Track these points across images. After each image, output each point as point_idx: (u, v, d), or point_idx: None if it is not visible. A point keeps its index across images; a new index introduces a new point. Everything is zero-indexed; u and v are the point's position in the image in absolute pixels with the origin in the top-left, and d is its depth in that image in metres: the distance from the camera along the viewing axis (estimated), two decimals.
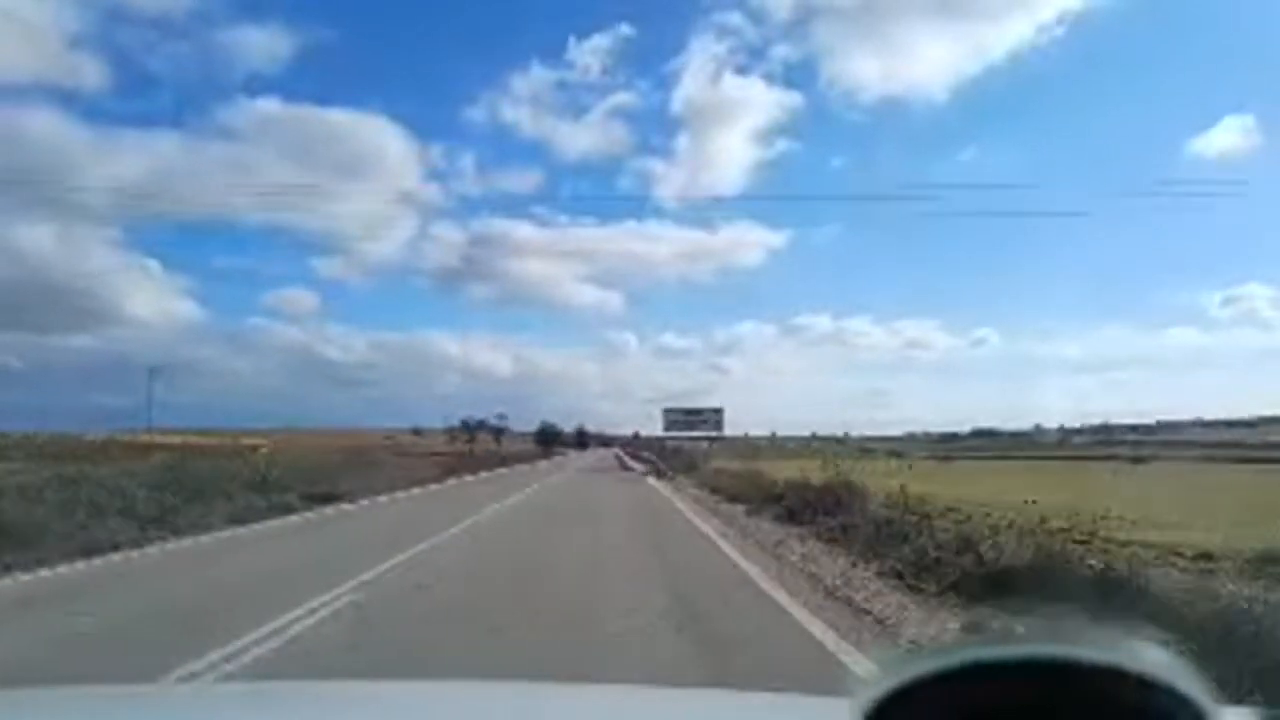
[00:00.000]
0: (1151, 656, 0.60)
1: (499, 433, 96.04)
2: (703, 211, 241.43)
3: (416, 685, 2.48)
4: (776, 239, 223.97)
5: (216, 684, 4.13)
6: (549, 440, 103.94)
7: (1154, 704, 0.59)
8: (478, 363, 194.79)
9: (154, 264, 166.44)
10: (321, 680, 4.05)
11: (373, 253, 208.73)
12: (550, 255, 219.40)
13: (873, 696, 0.64)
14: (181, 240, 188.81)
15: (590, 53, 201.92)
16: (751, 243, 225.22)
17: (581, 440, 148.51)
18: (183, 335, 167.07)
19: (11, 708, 1.48)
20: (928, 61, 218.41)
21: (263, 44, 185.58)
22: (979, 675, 0.61)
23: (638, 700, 1.89)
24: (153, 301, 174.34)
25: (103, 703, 1.62)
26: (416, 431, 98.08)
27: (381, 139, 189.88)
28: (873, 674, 0.66)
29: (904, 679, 0.63)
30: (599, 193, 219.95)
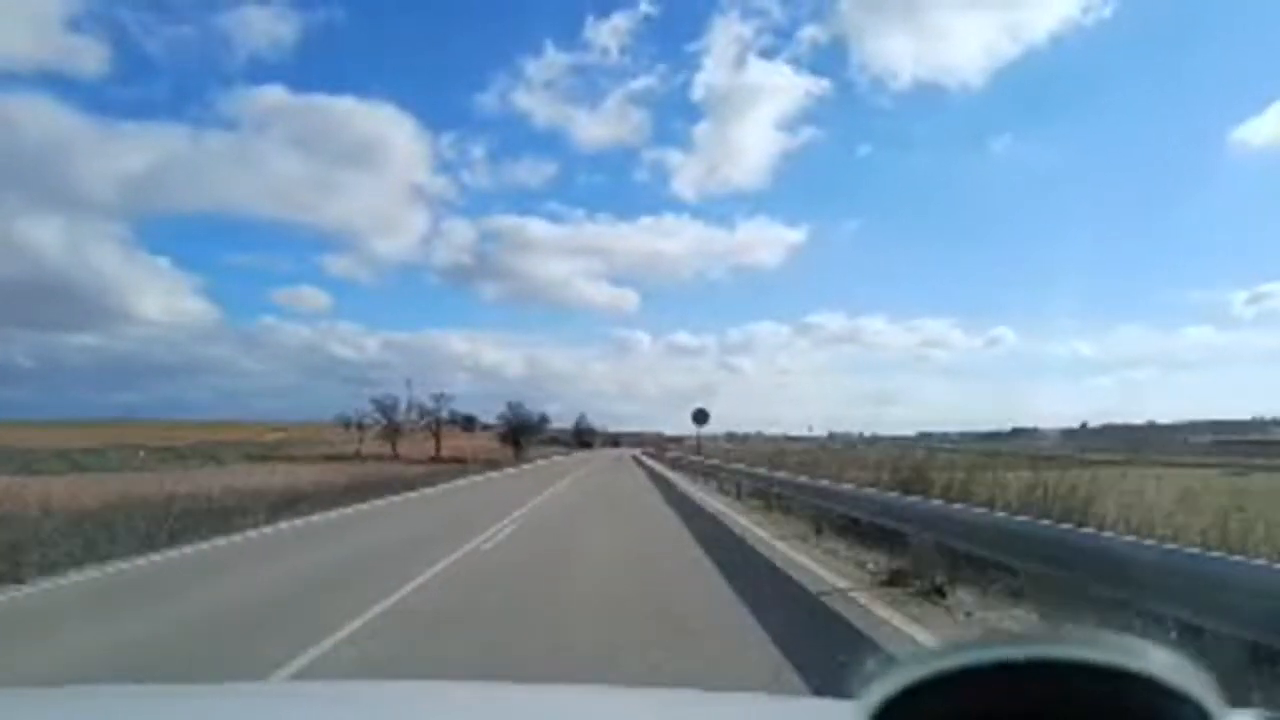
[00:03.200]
0: (1158, 657, 0.58)
1: (437, 425, 67.64)
2: (721, 206, 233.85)
3: (417, 685, 2.42)
4: (794, 235, 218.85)
5: (216, 685, 3.13)
6: (520, 436, 73.58)
7: (1160, 705, 0.57)
8: (486, 361, 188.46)
9: (163, 261, 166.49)
10: (321, 680, 3.90)
11: (383, 249, 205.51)
12: (563, 252, 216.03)
13: (877, 697, 0.61)
14: (189, 236, 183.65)
15: (608, 33, 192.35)
16: (769, 239, 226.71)
17: (583, 438, 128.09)
18: (192, 333, 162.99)
19: (12, 708, 1.48)
20: (963, 44, 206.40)
21: (266, 27, 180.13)
22: (983, 676, 0.59)
23: (636, 702, 1.85)
24: (161, 299, 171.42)
25: (104, 703, 1.61)
26: (346, 425, 73.80)
27: (390, 129, 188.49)
28: (877, 674, 0.64)
29: (908, 679, 0.61)
30: (614, 185, 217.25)
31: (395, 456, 53.28)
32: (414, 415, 65.45)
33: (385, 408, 64.83)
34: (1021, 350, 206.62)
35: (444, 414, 67.59)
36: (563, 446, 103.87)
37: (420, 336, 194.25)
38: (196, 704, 1.60)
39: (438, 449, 60.38)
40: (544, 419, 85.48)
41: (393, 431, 63.93)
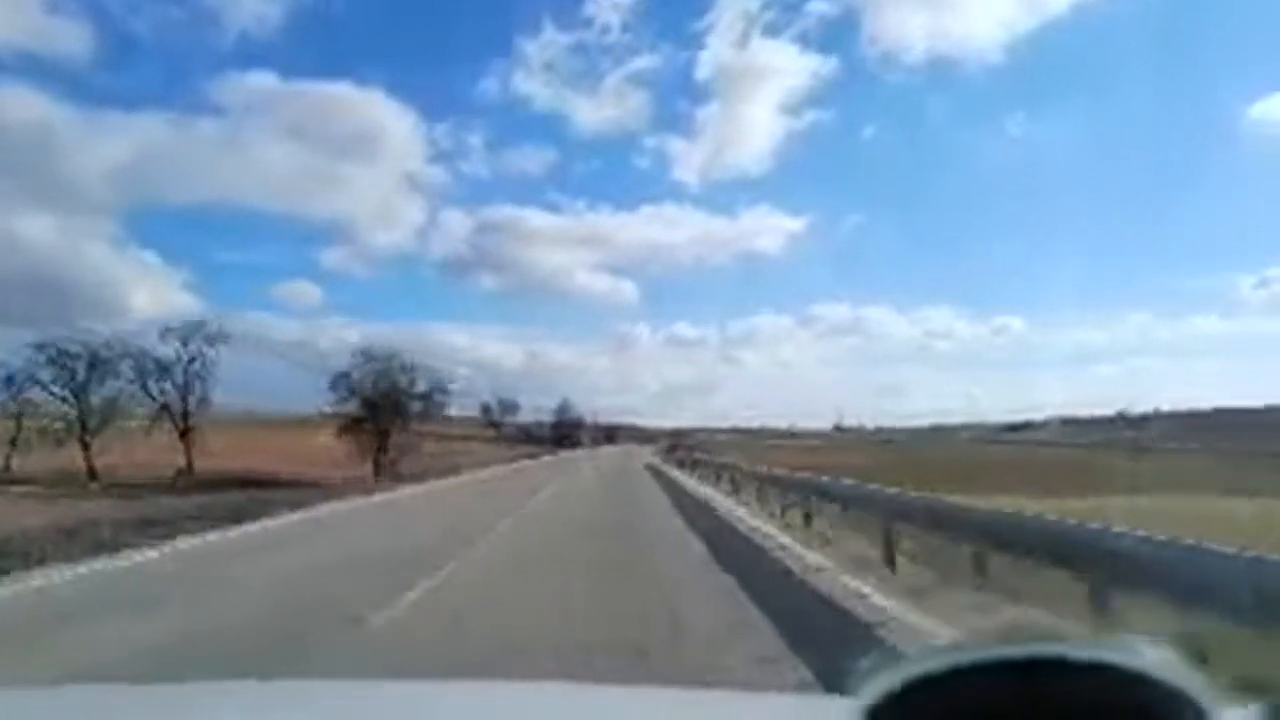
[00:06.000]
0: (1153, 654, 0.59)
1: (185, 408, 29.22)
2: (723, 193, 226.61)
3: (417, 685, 2.37)
4: (797, 223, 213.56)
5: (217, 684, 2.99)
6: (391, 425, 32.10)
7: (1156, 702, 0.58)
8: (483, 354, 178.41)
9: (150, 255, 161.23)
10: (321, 680, 3.89)
11: (378, 242, 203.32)
12: (562, 242, 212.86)
13: (873, 696, 0.62)
14: (178, 229, 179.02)
15: (609, 9, 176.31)
16: (772, 227, 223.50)
17: (563, 432, 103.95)
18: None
19: (12, 708, 1.46)
20: (980, 16, 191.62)
21: (255, 9, 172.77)
22: (979, 674, 0.60)
23: (636, 701, 1.82)
24: (148, 294, 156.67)
25: (104, 702, 1.59)
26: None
27: (384, 116, 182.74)
28: (873, 673, 0.63)
29: (904, 678, 0.61)
30: (615, 172, 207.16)
31: (91, 475, 25.25)
32: (141, 385, 28.46)
33: (70, 363, 26.15)
34: (1029, 339, 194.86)
35: (204, 378, 29.42)
36: (533, 444, 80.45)
37: (416, 330, 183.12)
38: (197, 704, 1.57)
39: (188, 459, 28.82)
40: (439, 391, 35.37)
41: (83, 422, 26.62)
